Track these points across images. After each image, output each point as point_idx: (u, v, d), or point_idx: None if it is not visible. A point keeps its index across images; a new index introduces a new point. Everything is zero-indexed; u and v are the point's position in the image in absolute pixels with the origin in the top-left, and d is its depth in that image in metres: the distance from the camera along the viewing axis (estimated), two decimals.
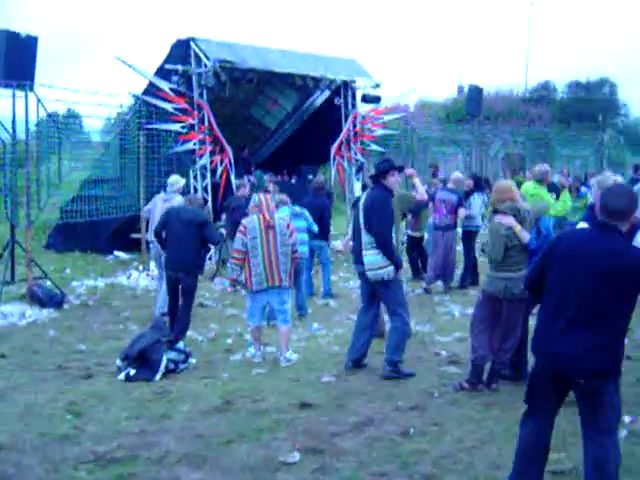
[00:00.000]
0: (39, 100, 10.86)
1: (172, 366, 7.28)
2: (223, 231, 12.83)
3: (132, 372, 7.05)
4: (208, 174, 14.46)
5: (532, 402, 4.52)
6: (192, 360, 7.59)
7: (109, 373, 7.32)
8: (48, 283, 11.09)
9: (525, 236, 6.53)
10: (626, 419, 5.72)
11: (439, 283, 11.85)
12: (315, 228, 10.45)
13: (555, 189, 11.75)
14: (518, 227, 6.53)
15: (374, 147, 18.46)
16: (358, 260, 7.23)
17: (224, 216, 13.30)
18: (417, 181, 8.04)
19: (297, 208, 10.23)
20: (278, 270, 7.62)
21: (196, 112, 14.05)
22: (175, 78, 13.82)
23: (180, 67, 13.77)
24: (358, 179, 18.12)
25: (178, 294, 8.75)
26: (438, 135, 22.72)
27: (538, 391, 4.46)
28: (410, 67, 70.06)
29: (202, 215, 8.95)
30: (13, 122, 10.70)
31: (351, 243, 7.73)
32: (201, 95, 14.20)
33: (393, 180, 7.22)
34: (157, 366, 7.10)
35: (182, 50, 14.09)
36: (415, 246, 12.83)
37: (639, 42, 70.38)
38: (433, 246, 11.86)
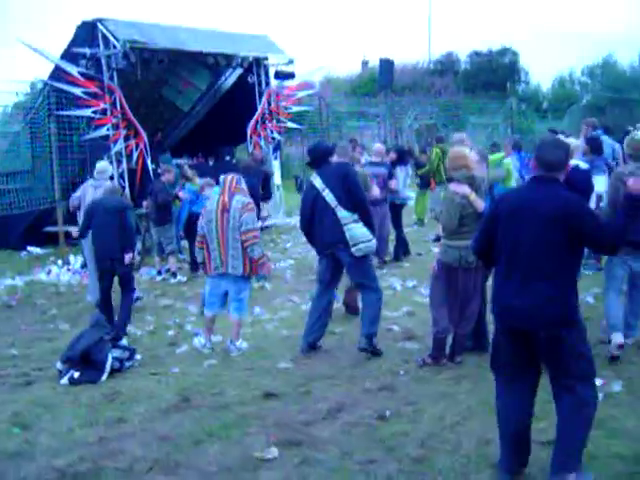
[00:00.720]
0: None
1: (117, 365, 6.82)
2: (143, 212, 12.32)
3: (76, 375, 6.55)
4: (124, 160, 13.82)
5: (500, 368, 4.44)
6: (137, 356, 7.15)
7: (50, 378, 6.79)
8: None
9: (480, 204, 6.38)
10: (597, 382, 5.68)
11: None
12: None
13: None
14: (473, 195, 6.37)
15: (290, 124, 18.14)
16: (329, 240, 6.91)
17: (145, 202, 12.71)
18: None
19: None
20: (227, 256, 7.21)
21: (107, 96, 13.37)
22: (83, 61, 13.12)
23: (88, 50, 13.05)
24: (275, 157, 17.80)
25: (111, 289, 8.49)
26: (351, 110, 22.55)
27: (503, 354, 4.38)
28: (312, 43, 69.49)
29: (125, 202, 8.85)
30: None
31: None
32: (111, 78, 13.53)
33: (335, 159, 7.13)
34: (102, 366, 6.64)
35: (88, 32, 13.39)
36: None
37: (538, 9, 72.06)
38: None
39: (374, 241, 7.00)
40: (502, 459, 4.42)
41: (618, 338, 6.34)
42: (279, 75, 17.15)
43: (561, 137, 9.84)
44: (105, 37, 13.25)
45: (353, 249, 6.81)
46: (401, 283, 10.13)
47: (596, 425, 4.33)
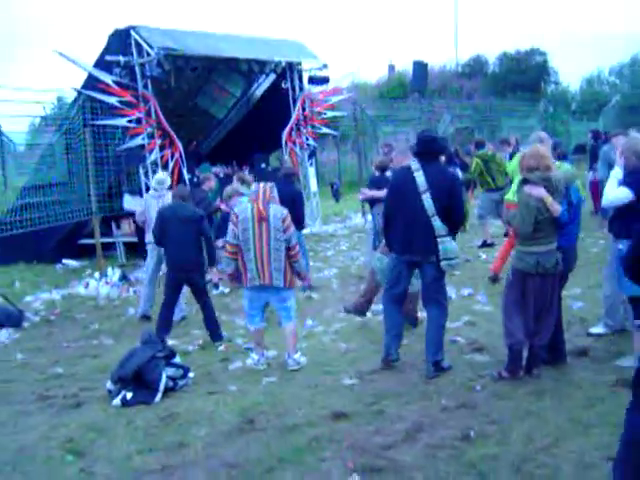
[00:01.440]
0: None
1: (171, 384, 6.42)
2: None
3: (128, 395, 6.16)
4: (159, 169, 13.46)
5: None
6: (190, 374, 6.74)
7: (100, 399, 6.41)
8: (0, 300, 10.02)
9: (557, 208, 5.89)
10: None
11: None
12: None
13: None
14: (549, 199, 5.88)
15: (325, 130, 17.77)
16: (420, 249, 6.36)
17: None
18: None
19: None
20: (270, 268, 6.78)
21: (142, 105, 13.06)
22: (117, 70, 12.82)
23: (122, 58, 12.75)
24: (311, 164, 17.43)
25: (178, 297, 8.44)
26: (386, 114, 22.08)
27: None
28: (337, 48, 69.01)
29: (199, 211, 8.54)
30: None
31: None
32: (146, 86, 13.21)
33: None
34: (156, 386, 6.24)
35: (121, 40, 13.08)
36: None
37: (567, 11, 71.34)
38: None
39: (459, 258, 6.59)
40: None
41: None
42: (313, 80, 16.79)
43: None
44: (138, 45, 12.94)
45: (443, 263, 6.32)
46: (455, 292, 9.64)
47: None
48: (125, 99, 12.77)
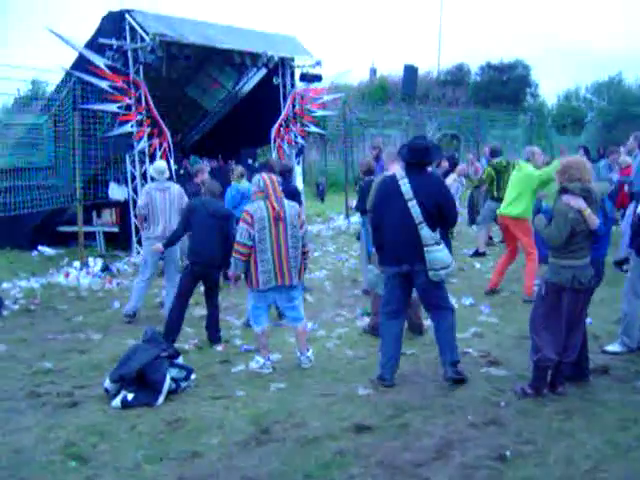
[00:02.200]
0: None
1: (173, 386, 6.01)
2: None
3: (130, 396, 5.74)
4: (147, 159, 12.99)
5: None
6: (192, 376, 6.33)
7: (97, 398, 5.97)
8: None
9: (594, 221, 5.63)
10: None
11: None
12: None
13: None
14: (588, 211, 5.61)
15: (313, 129, 17.40)
16: (406, 258, 6.05)
17: None
18: None
19: None
20: (289, 267, 6.50)
21: (133, 91, 12.56)
22: (110, 54, 12.30)
23: (115, 42, 12.25)
24: (298, 162, 17.03)
25: (191, 292, 7.86)
26: (369, 117, 21.81)
27: None
28: (319, 49, 68.64)
29: (228, 210, 8.27)
30: None
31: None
32: (137, 72, 12.70)
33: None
34: (159, 387, 5.82)
35: (115, 23, 12.54)
36: None
37: (548, 25, 71.92)
38: None
39: (454, 264, 6.28)
40: None
41: None
42: (305, 77, 16.41)
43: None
44: (133, 29, 12.42)
45: (430, 273, 6.00)
46: (456, 301, 9.34)
47: None
48: (116, 84, 12.26)
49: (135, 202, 11.61)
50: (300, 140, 16.77)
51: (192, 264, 7.65)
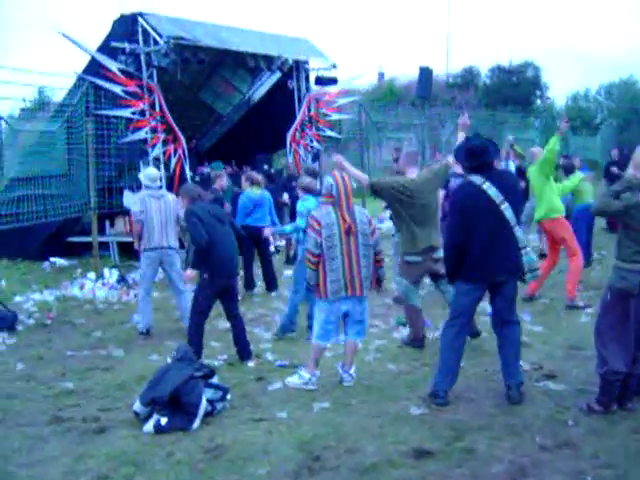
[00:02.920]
0: None
1: (209, 408, 5.54)
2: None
3: (163, 421, 5.27)
4: (162, 166, 12.56)
5: None
6: (228, 396, 5.86)
7: (125, 422, 5.50)
8: None
9: None
10: None
11: None
12: None
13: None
14: None
15: (329, 133, 17.00)
16: (506, 266, 5.61)
17: None
18: None
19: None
20: (360, 277, 6.06)
21: (146, 96, 12.15)
22: (122, 57, 11.91)
23: (128, 45, 11.84)
24: None
25: (211, 308, 7.28)
26: (379, 120, 21.34)
27: None
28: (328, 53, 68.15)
29: (223, 209, 7.85)
30: None
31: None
32: (151, 77, 12.32)
33: None
34: (195, 410, 5.35)
35: (127, 27, 12.20)
36: None
37: (558, 26, 71.53)
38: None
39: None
40: None
41: None
42: (320, 80, 16.02)
43: None
44: (145, 32, 12.06)
45: (528, 276, 5.66)
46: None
47: None
48: (129, 89, 11.85)
49: None
50: (316, 144, 16.36)
51: (213, 277, 7.00)
